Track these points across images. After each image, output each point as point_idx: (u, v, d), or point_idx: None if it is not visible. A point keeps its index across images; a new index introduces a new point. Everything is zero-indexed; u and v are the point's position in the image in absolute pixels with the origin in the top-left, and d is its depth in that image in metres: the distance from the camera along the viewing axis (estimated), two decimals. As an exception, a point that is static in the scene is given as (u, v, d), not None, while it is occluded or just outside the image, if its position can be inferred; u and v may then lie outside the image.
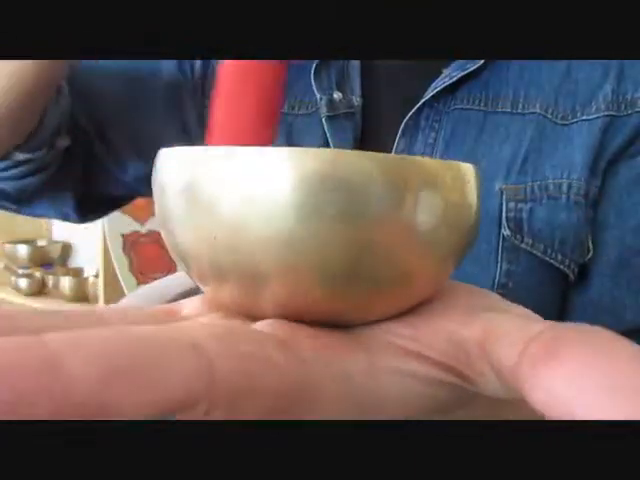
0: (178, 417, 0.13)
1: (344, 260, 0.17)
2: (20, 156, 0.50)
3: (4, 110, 0.45)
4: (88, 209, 0.61)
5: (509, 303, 0.20)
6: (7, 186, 0.54)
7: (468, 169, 0.19)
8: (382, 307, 0.18)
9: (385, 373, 0.17)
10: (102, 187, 0.59)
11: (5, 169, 0.52)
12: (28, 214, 0.61)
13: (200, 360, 0.13)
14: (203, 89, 0.57)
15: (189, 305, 0.21)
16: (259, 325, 0.18)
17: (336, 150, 0.17)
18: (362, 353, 0.17)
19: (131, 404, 0.12)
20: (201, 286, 0.20)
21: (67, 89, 0.52)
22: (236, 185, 0.17)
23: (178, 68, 0.57)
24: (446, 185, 0.18)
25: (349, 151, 0.17)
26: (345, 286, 0.17)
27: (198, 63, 0.57)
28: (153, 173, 0.20)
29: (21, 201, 0.57)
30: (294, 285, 0.17)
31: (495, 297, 0.20)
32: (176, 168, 0.18)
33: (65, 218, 0.61)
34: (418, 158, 0.18)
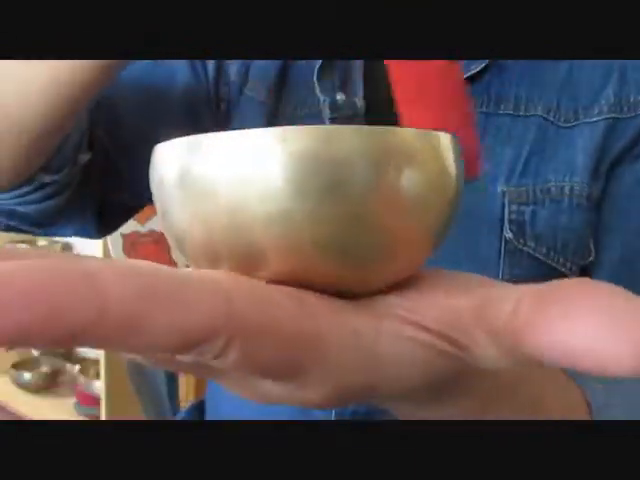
0: (198, 352, 0.14)
1: (336, 232, 0.18)
2: (45, 178, 0.48)
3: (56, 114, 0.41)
4: (106, 222, 0.60)
5: (498, 281, 0.21)
6: (29, 210, 0.51)
7: (447, 138, 0.20)
8: (377, 276, 0.19)
9: (388, 336, 0.18)
10: (119, 198, 0.58)
11: (26, 194, 0.49)
12: (45, 235, 0.60)
13: (220, 294, 0.14)
14: (217, 93, 0.57)
15: None
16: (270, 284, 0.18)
17: (320, 127, 0.18)
18: (366, 316, 0.18)
19: (160, 326, 0.13)
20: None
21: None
22: (227, 167, 0.18)
23: (192, 73, 0.56)
24: (427, 154, 0.19)
25: (332, 126, 0.18)
26: (340, 257, 0.18)
27: (211, 66, 0.56)
28: (150, 169, 0.21)
29: (42, 224, 0.54)
30: (290, 260, 0.18)
31: (486, 277, 0.21)
32: (171, 158, 0.19)
33: (83, 235, 0.60)
34: (399, 129, 0.19)
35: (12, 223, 0.53)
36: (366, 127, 0.18)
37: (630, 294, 0.14)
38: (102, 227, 0.59)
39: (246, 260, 0.18)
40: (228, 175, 0.18)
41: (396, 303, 0.19)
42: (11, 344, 0.11)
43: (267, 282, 0.19)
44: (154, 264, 0.19)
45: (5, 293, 0.11)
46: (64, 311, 0.12)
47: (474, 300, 0.18)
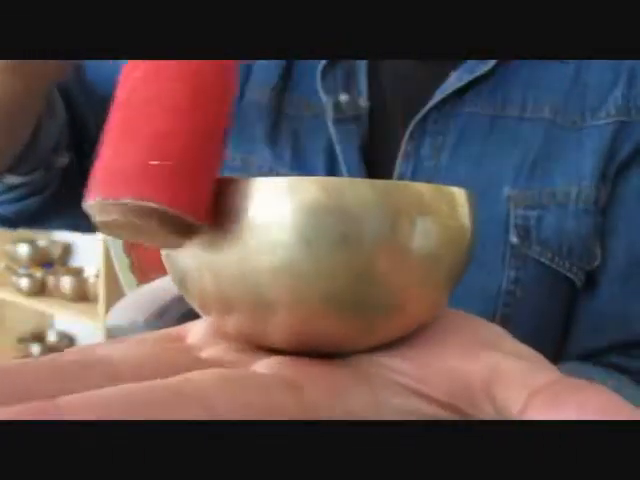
0: None
1: (346, 285, 0.17)
2: (13, 179, 0.47)
3: None
4: None
5: (511, 338, 0.20)
6: (3, 210, 0.51)
7: (461, 194, 0.20)
8: (385, 331, 0.19)
9: (388, 411, 0.17)
10: None
11: (0, 193, 0.48)
12: (38, 229, 0.59)
13: (204, 413, 0.14)
14: None
15: (195, 331, 0.21)
16: (264, 365, 0.18)
17: (334, 179, 0.17)
18: (367, 391, 0.17)
19: None
20: (205, 317, 0.21)
21: (62, 104, 0.49)
22: (237, 215, 0.17)
23: None
24: (441, 210, 0.19)
25: (346, 179, 0.18)
26: (347, 311, 0.18)
27: None
28: None
29: (20, 223, 0.54)
30: (298, 312, 0.18)
31: (497, 330, 0.21)
32: None
33: (78, 230, 0.60)
34: (413, 184, 0.18)
35: None
36: (379, 181, 0.18)
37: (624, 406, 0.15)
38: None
39: (252, 310, 0.18)
40: (237, 222, 0.17)
41: (398, 368, 0.18)
42: None
43: (272, 334, 0.18)
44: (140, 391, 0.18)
45: None
46: None
47: (483, 369, 0.17)
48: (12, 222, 0.53)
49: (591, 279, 0.50)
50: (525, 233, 0.48)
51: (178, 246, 0.18)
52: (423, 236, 0.18)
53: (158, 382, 0.14)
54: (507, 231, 0.48)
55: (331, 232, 0.17)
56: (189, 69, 0.20)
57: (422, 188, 0.18)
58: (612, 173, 0.48)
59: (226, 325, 0.19)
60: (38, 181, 0.49)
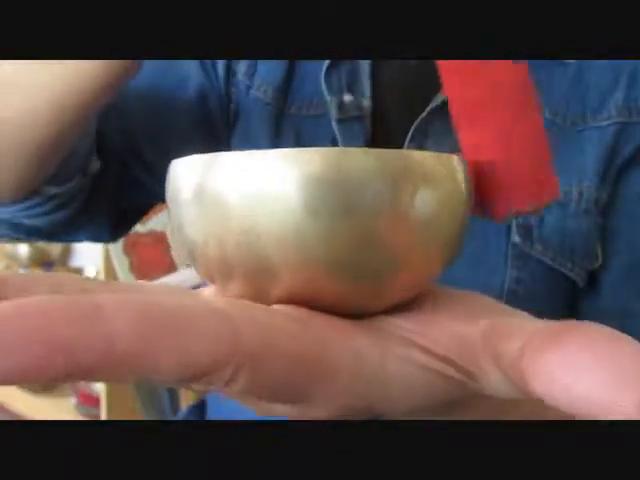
0: (206, 382, 0.14)
1: (348, 251, 0.18)
2: (52, 190, 0.46)
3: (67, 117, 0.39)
4: (120, 226, 0.59)
5: (508, 307, 0.21)
6: (38, 222, 0.50)
7: (458, 160, 0.20)
8: (388, 294, 0.20)
9: (393, 358, 0.18)
10: (134, 202, 0.57)
11: (33, 206, 0.47)
12: (59, 242, 0.59)
13: (226, 325, 0.14)
14: (228, 94, 0.56)
15: (207, 292, 0.22)
16: (275, 307, 0.19)
17: (335, 149, 0.18)
18: (373, 338, 0.18)
19: (167, 362, 0.13)
20: (210, 283, 0.21)
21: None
22: (242, 186, 0.18)
23: (204, 74, 0.55)
24: (440, 176, 0.19)
25: (348, 149, 0.18)
26: (351, 276, 0.19)
27: (221, 67, 0.56)
28: (166, 183, 0.21)
29: (51, 235, 0.53)
30: (303, 278, 0.18)
31: (494, 301, 0.21)
32: (187, 174, 0.20)
33: (96, 240, 0.60)
34: (412, 152, 0.19)
35: (19, 236, 0.52)
36: (378, 150, 0.18)
37: (632, 341, 0.15)
38: (115, 231, 0.59)
39: (258, 277, 0.19)
40: (242, 194, 0.18)
41: (404, 325, 0.19)
42: (13, 383, 0.11)
43: (277, 301, 0.19)
44: (158, 292, 0.19)
45: (10, 332, 0.11)
46: (72, 348, 0.12)
47: (483, 328, 0.18)
48: (45, 234, 0.53)
49: (593, 279, 0.50)
50: (527, 233, 0.48)
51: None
52: (423, 202, 0.19)
53: (185, 297, 0.15)
54: (509, 231, 0.48)
55: (334, 200, 0.18)
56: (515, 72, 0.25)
57: (421, 155, 0.19)
58: (613, 174, 0.49)
59: (232, 292, 0.20)
60: (72, 190, 0.48)
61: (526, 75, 0.25)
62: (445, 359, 0.18)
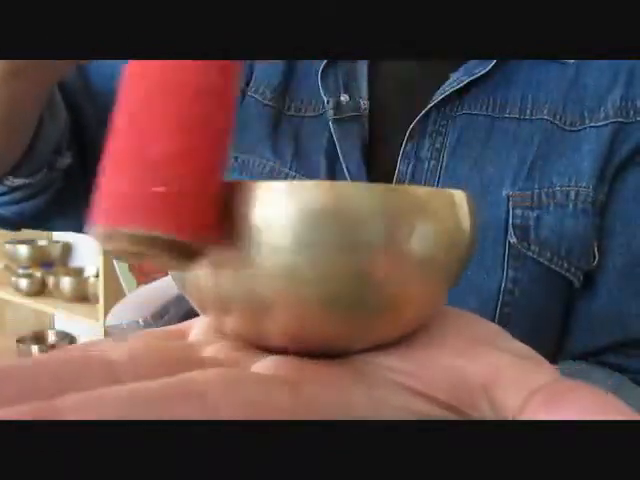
0: None
1: (344, 288, 0.17)
2: (15, 181, 0.46)
3: None
4: None
5: (509, 337, 0.20)
6: (5, 211, 0.50)
7: (460, 196, 0.20)
8: (383, 332, 0.19)
9: (386, 409, 0.17)
10: None
11: None
12: (43, 230, 0.59)
13: (208, 412, 0.14)
14: None
15: (196, 328, 0.22)
16: (263, 365, 0.18)
17: (333, 183, 0.18)
18: (364, 389, 0.17)
19: None
20: (204, 316, 0.21)
21: (62, 105, 0.49)
22: (237, 219, 0.17)
23: None
24: (440, 214, 0.19)
25: (345, 183, 0.18)
26: (346, 314, 0.18)
27: None
28: None
29: (22, 224, 0.53)
30: (297, 315, 0.18)
31: (494, 328, 0.21)
32: None
33: (79, 230, 0.59)
34: (412, 187, 0.18)
35: None
36: (378, 185, 0.18)
37: (618, 404, 0.16)
38: None
39: (252, 312, 0.18)
40: (237, 226, 0.17)
41: (397, 367, 0.18)
42: None
43: (271, 335, 0.18)
44: (140, 362, 0.18)
45: None
46: None
47: (484, 371, 0.17)
48: (14, 223, 0.53)
49: (589, 279, 0.50)
50: (524, 233, 0.48)
51: (185, 268, 0.18)
52: (422, 240, 0.18)
53: (158, 382, 0.15)
54: (506, 231, 0.48)
55: (331, 236, 0.17)
56: (192, 84, 0.19)
57: (421, 192, 0.18)
58: (610, 174, 0.49)
59: (224, 326, 0.20)
60: (41, 182, 0.48)
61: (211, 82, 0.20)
62: (442, 403, 0.18)
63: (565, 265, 0.49)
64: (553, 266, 0.49)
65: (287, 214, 0.17)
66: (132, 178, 0.17)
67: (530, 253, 0.48)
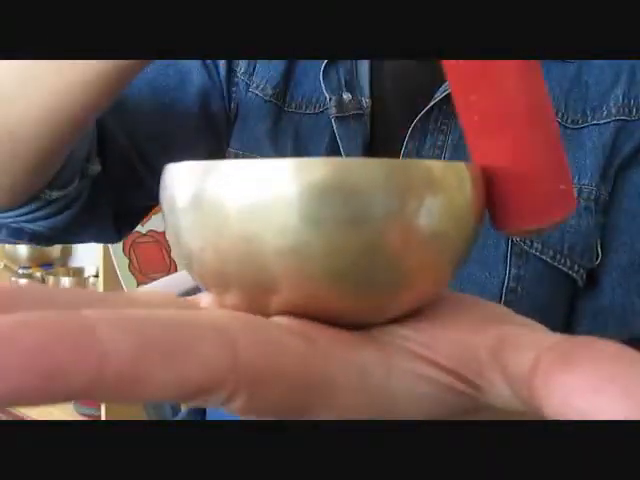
0: (203, 401, 0.14)
1: (353, 264, 0.17)
2: (53, 194, 0.45)
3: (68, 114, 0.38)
4: (123, 225, 0.58)
5: (519, 316, 0.20)
6: (38, 226, 0.49)
7: (470, 169, 0.19)
8: (392, 307, 0.19)
9: (399, 373, 0.17)
10: (138, 201, 0.57)
11: (34, 211, 0.47)
12: (63, 243, 0.59)
13: (224, 343, 0.14)
14: (229, 92, 0.56)
15: (205, 299, 0.22)
16: (278, 319, 0.18)
17: (340, 159, 0.17)
18: (378, 353, 0.18)
19: (161, 382, 0.13)
20: (207, 291, 0.21)
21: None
22: (243, 196, 0.17)
23: (206, 72, 0.55)
24: (448, 186, 0.18)
25: (353, 159, 0.18)
26: (355, 289, 0.18)
27: (222, 66, 0.56)
28: (161, 188, 0.20)
29: (55, 238, 0.53)
30: (304, 291, 0.18)
31: (504, 309, 0.21)
32: (185, 180, 0.19)
33: (101, 240, 0.59)
34: (419, 161, 0.19)
35: (21, 241, 0.51)
36: (386, 160, 0.18)
37: None
38: (119, 231, 0.58)
39: (257, 289, 0.18)
40: (243, 203, 0.17)
41: (410, 336, 0.18)
42: (9, 405, 0.11)
43: (276, 314, 0.18)
44: (155, 304, 0.19)
45: (5, 354, 0.11)
46: (64, 372, 0.12)
47: (491, 339, 0.17)
48: (47, 238, 0.52)
49: (592, 277, 0.50)
50: None
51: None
52: (431, 213, 0.18)
53: (179, 311, 0.14)
54: None
55: (339, 212, 0.17)
56: (540, 84, 0.23)
57: (429, 165, 0.18)
58: (613, 171, 0.49)
59: (229, 302, 0.19)
60: (72, 193, 0.48)
61: (541, 80, 0.23)
62: (453, 372, 0.18)
63: (568, 263, 0.49)
64: (556, 264, 0.48)
65: (294, 191, 0.17)
66: (546, 182, 0.22)
67: (533, 251, 0.48)
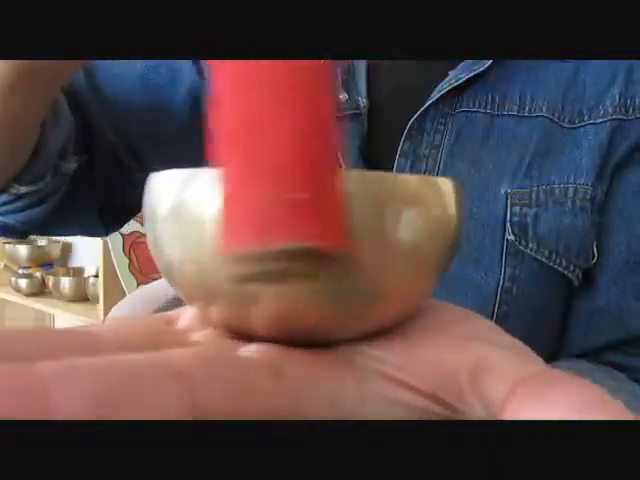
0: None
1: (329, 276, 0.17)
2: (21, 189, 0.46)
3: None
4: (112, 220, 0.58)
5: (499, 330, 0.20)
6: (10, 220, 0.50)
7: (447, 184, 0.19)
8: (369, 320, 0.19)
9: (373, 399, 0.17)
10: (126, 197, 0.57)
11: (4, 204, 0.47)
12: (50, 235, 0.59)
13: (182, 388, 0.14)
14: None
15: (184, 315, 0.21)
16: (248, 350, 0.17)
17: None
18: (351, 379, 0.17)
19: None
20: (190, 306, 0.21)
21: (67, 109, 0.48)
22: (217, 208, 0.17)
23: (196, 69, 0.55)
24: (427, 201, 0.18)
25: None
26: (332, 302, 0.18)
27: None
28: (144, 197, 0.20)
29: (29, 232, 0.53)
30: (283, 304, 0.17)
31: (485, 323, 0.20)
32: (165, 189, 0.19)
33: (90, 234, 0.59)
34: (398, 175, 0.18)
35: None
36: (364, 172, 0.17)
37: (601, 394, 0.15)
38: (105, 225, 0.58)
39: (237, 302, 0.18)
40: (218, 215, 0.17)
41: (384, 358, 0.18)
42: None
43: (257, 326, 0.18)
44: (116, 362, 0.17)
45: None
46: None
47: (471, 360, 0.17)
48: (20, 231, 0.52)
49: (588, 277, 0.50)
50: (522, 231, 0.48)
51: (314, 279, 0.17)
52: (408, 227, 0.18)
53: (138, 355, 0.14)
54: (504, 229, 0.48)
55: None
56: (297, 82, 0.18)
57: (407, 179, 0.18)
58: (609, 171, 0.49)
59: (210, 315, 0.19)
60: (46, 188, 0.48)
61: (317, 81, 0.19)
62: (429, 396, 0.17)
63: (564, 263, 0.49)
64: (551, 264, 0.48)
65: None
66: (265, 189, 0.16)
67: (528, 250, 0.48)
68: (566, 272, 0.49)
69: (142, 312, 1.01)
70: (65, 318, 2.09)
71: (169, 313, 0.22)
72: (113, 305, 1.09)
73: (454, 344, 0.18)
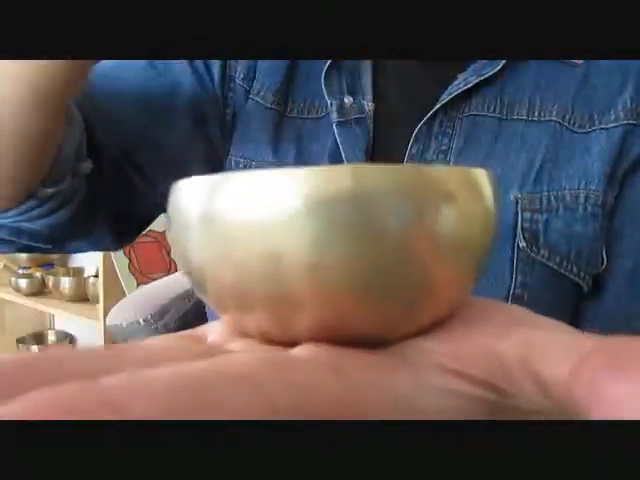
0: None
1: (375, 276, 0.17)
2: (47, 192, 0.47)
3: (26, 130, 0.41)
4: (122, 233, 0.58)
5: (537, 315, 0.20)
6: (36, 225, 0.50)
7: (484, 175, 0.19)
8: (418, 317, 0.18)
9: (430, 392, 0.17)
10: (133, 208, 0.57)
11: (31, 209, 0.48)
12: (62, 252, 0.59)
13: (259, 395, 0.13)
14: (225, 99, 0.56)
15: (212, 331, 0.21)
16: (300, 351, 0.17)
17: (352, 166, 0.17)
18: (407, 373, 0.17)
19: None
20: (222, 314, 0.20)
21: (76, 110, 0.49)
22: (259, 209, 0.17)
23: (197, 81, 0.55)
24: (464, 193, 0.18)
25: (365, 166, 0.17)
26: (377, 301, 0.17)
27: (216, 72, 0.55)
28: (169, 204, 0.19)
29: (54, 239, 0.53)
30: (328, 305, 0.17)
31: (524, 310, 0.20)
32: (194, 196, 0.18)
33: (100, 248, 0.59)
34: (435, 167, 0.18)
35: (22, 241, 0.51)
36: (403, 167, 0.17)
37: None
38: (118, 239, 0.58)
39: (279, 306, 0.17)
40: (259, 216, 0.17)
41: (435, 349, 0.18)
42: None
43: (301, 331, 0.18)
44: (167, 354, 0.17)
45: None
46: None
47: (518, 344, 0.17)
48: (46, 238, 0.52)
49: (598, 283, 0.50)
50: (533, 237, 0.47)
51: None
52: (450, 220, 0.17)
53: (200, 363, 0.14)
54: (515, 235, 0.47)
55: (357, 222, 0.16)
56: None
57: (443, 170, 0.18)
58: (620, 176, 0.48)
59: (246, 323, 0.19)
60: (67, 190, 0.48)
61: None
62: (481, 381, 0.17)
63: (574, 269, 0.48)
64: (562, 270, 0.48)
65: (308, 204, 0.16)
66: None
67: (539, 257, 0.47)
68: (577, 279, 0.48)
69: (143, 312, 1.01)
70: (65, 318, 2.09)
71: (195, 330, 0.21)
72: (113, 305, 1.09)
73: (500, 330, 0.18)
